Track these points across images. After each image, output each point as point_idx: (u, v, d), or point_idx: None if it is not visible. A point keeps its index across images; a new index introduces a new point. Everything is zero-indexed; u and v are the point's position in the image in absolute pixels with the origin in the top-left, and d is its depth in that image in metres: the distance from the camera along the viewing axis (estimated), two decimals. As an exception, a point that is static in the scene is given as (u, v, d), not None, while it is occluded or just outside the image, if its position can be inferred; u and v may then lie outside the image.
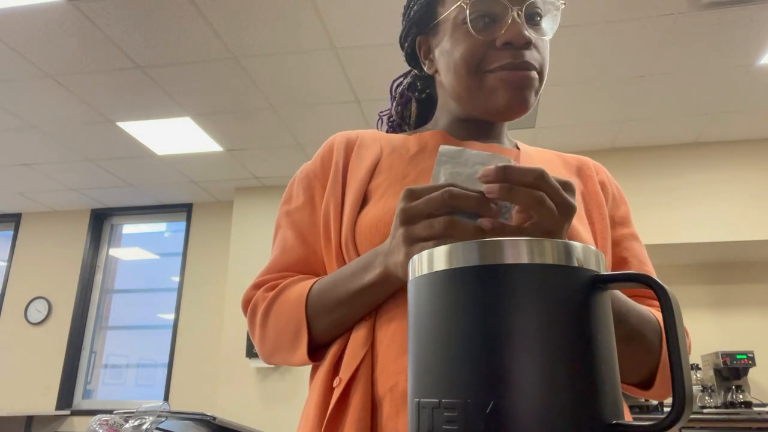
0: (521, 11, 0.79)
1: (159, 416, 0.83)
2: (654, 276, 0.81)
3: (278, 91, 3.47)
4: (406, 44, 0.95)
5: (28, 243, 5.51)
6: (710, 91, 3.45)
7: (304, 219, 0.85)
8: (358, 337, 0.72)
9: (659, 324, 0.74)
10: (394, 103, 1.03)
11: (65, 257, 5.38)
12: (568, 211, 0.59)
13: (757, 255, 4.17)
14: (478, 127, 0.91)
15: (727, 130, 3.93)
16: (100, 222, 5.55)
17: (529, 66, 0.79)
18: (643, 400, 3.51)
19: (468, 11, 0.81)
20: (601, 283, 0.42)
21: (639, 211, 4.03)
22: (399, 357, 0.68)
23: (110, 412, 0.89)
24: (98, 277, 5.43)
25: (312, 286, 0.76)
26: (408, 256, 0.62)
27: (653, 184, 4.08)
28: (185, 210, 5.37)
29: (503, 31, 0.79)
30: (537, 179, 0.57)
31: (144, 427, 0.81)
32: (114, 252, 5.60)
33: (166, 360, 5.00)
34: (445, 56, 0.85)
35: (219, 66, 3.21)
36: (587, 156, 4.19)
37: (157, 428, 0.81)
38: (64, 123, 3.85)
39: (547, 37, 0.83)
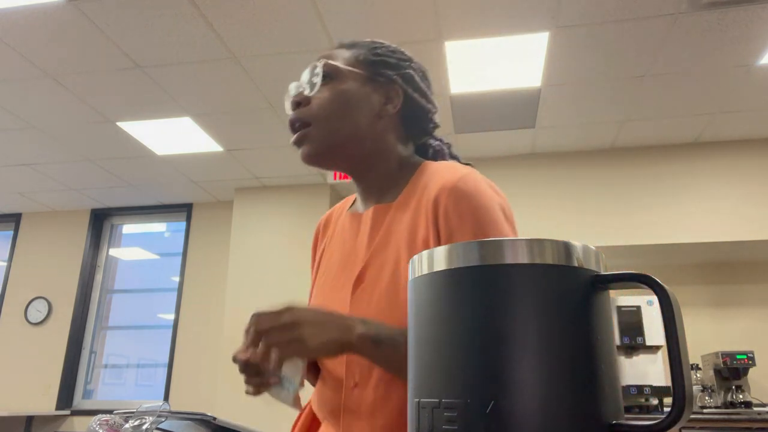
0: (294, 87, 1.03)
1: (159, 416, 0.83)
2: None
3: (278, 91, 3.47)
4: None
5: (28, 243, 5.51)
6: (710, 91, 3.45)
7: None
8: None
9: None
10: None
11: (65, 257, 5.38)
12: (285, 333, 0.75)
13: (757, 255, 4.17)
14: (361, 191, 1.06)
15: (727, 130, 3.93)
16: (100, 222, 5.54)
17: (296, 125, 1.00)
18: (643, 400, 3.50)
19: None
20: (601, 283, 0.42)
21: (639, 210, 4.03)
22: None
23: (110, 412, 0.89)
24: (98, 277, 5.43)
25: None
26: None
27: (653, 184, 4.08)
28: (185, 210, 5.37)
29: None
30: (255, 331, 0.76)
31: (144, 427, 0.81)
32: (114, 252, 5.60)
33: (166, 360, 5.00)
34: None
35: (219, 66, 3.21)
36: (587, 155, 4.11)
37: (157, 428, 0.81)
38: (64, 123, 3.85)
39: (310, 95, 1.00)
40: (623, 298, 3.68)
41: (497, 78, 3.34)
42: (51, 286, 5.31)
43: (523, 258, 0.41)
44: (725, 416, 3.34)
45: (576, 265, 0.42)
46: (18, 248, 5.51)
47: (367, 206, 1.04)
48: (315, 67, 1.01)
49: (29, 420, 4.77)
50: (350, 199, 1.15)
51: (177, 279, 5.21)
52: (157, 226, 5.68)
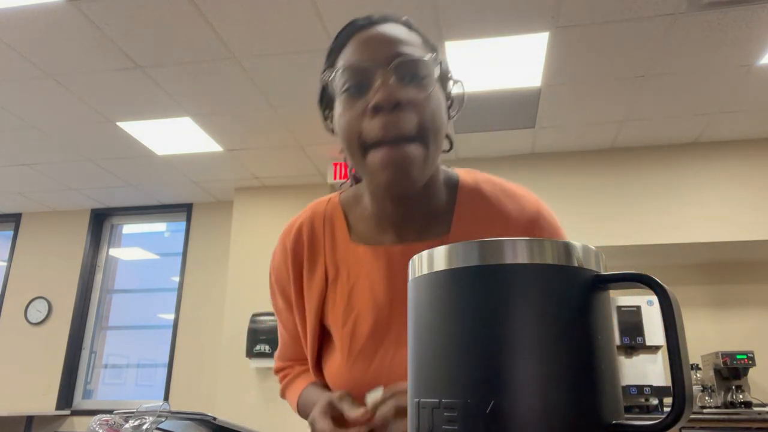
0: (389, 70, 0.75)
1: (159, 416, 0.83)
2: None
3: (278, 91, 3.47)
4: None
5: (28, 243, 5.51)
6: (710, 91, 3.45)
7: (290, 321, 0.98)
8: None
9: None
10: None
11: (65, 257, 5.38)
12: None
13: (757, 255, 4.17)
14: (395, 218, 0.85)
15: (727, 130, 3.93)
16: (100, 222, 5.54)
17: (403, 137, 0.73)
18: (643, 400, 3.50)
19: (343, 77, 0.78)
20: (601, 283, 0.42)
21: (639, 210, 4.03)
22: None
23: (110, 412, 0.89)
24: (98, 277, 5.42)
25: (299, 399, 0.98)
26: None
27: (653, 184, 4.08)
28: (185, 210, 5.37)
29: (373, 95, 0.74)
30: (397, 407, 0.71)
31: (144, 427, 0.81)
32: (114, 252, 5.60)
33: (166, 360, 5.00)
34: (337, 124, 0.81)
35: (219, 66, 3.21)
36: (587, 155, 4.08)
37: (157, 428, 0.81)
38: (64, 123, 3.85)
39: (426, 94, 0.76)
40: (623, 298, 3.68)
41: (497, 78, 3.34)
42: (51, 286, 5.31)
43: (523, 258, 0.41)
44: (725, 416, 3.33)
45: (576, 265, 0.42)
46: (18, 248, 5.51)
47: (397, 237, 0.86)
48: (425, 62, 0.76)
49: (29, 420, 4.77)
50: (323, 206, 0.94)
51: (177, 279, 5.21)
52: (157, 226, 5.68)
